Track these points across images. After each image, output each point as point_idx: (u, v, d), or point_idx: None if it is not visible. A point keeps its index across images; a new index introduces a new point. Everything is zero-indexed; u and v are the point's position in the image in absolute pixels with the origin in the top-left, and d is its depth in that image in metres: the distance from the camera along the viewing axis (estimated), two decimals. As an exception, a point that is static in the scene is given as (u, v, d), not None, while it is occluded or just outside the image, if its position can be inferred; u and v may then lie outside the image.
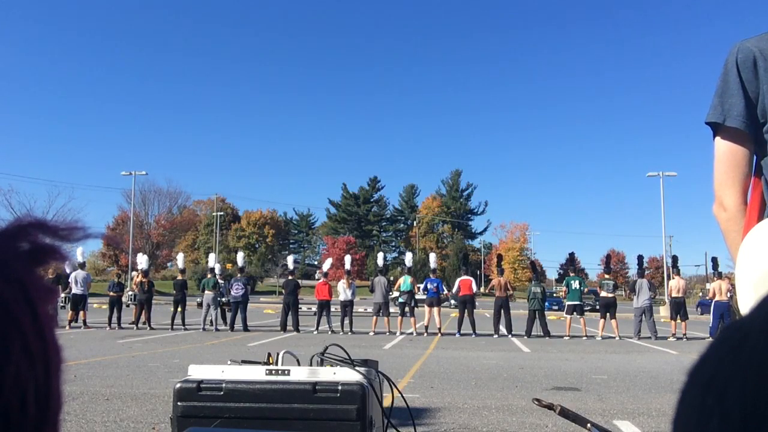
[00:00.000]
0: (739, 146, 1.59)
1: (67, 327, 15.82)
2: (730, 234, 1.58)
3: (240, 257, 18.53)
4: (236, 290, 16.46)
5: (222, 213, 72.93)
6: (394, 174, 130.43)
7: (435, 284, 16.35)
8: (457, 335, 15.52)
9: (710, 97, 1.63)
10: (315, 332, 15.64)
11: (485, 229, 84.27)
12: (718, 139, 1.62)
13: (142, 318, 16.75)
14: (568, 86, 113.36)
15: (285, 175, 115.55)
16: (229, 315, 16.92)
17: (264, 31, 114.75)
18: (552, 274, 68.75)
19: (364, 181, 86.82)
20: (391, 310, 16.78)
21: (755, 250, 1.37)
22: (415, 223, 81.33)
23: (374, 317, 16.24)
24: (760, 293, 1.33)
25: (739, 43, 1.59)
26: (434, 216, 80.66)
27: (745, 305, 1.35)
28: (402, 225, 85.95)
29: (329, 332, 15.70)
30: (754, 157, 1.62)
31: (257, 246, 77.89)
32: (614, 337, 15.36)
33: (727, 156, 1.60)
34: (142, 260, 17.77)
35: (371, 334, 15.55)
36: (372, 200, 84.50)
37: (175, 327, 16.50)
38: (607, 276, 16.75)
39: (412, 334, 15.66)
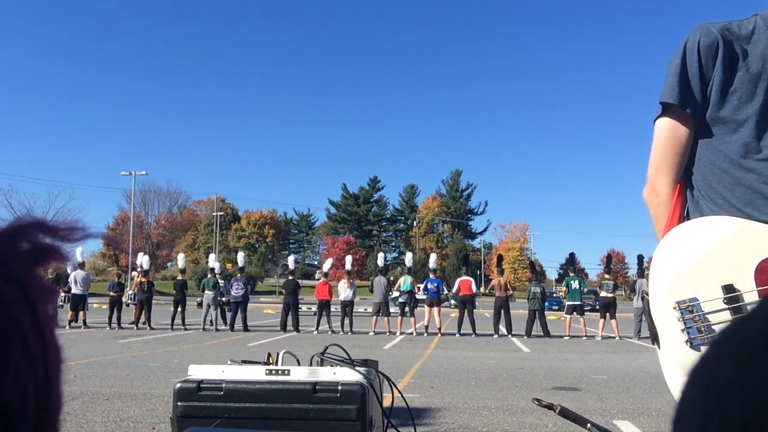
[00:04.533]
0: (685, 130, 1.53)
1: (67, 327, 15.82)
2: (659, 221, 1.55)
3: (240, 257, 18.54)
4: (236, 290, 16.48)
5: (222, 213, 72.93)
6: (394, 174, 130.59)
7: (435, 284, 16.36)
8: (457, 335, 15.52)
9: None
10: (315, 332, 15.64)
11: (485, 229, 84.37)
12: (664, 119, 1.55)
13: (142, 318, 16.76)
14: (568, 86, 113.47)
15: (285, 175, 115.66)
16: (229, 315, 16.93)
17: (264, 32, 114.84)
18: (552, 274, 68.85)
19: (364, 181, 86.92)
20: (391, 310, 16.79)
21: (669, 254, 1.38)
22: (415, 223, 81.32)
23: (374, 317, 16.24)
24: (671, 296, 1.34)
25: (704, 27, 1.51)
26: (434, 216, 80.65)
27: (657, 306, 1.37)
28: (402, 225, 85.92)
29: (329, 332, 15.70)
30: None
31: (257, 246, 77.87)
32: (614, 337, 15.36)
33: (670, 139, 1.54)
34: (143, 260, 17.80)
35: (371, 334, 15.56)
36: (372, 200, 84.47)
37: (175, 327, 16.51)
38: (607, 276, 16.75)
39: (412, 334, 15.67)
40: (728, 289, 1.29)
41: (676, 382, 1.34)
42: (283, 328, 16.20)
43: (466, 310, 16.01)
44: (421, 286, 18.14)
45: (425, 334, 15.56)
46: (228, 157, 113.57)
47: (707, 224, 1.40)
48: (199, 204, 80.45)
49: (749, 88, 1.46)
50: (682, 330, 1.31)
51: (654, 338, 1.40)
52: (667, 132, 1.55)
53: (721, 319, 1.29)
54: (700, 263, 1.33)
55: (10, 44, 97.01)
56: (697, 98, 1.51)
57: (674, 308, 1.33)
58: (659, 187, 1.55)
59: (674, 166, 1.55)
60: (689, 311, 1.31)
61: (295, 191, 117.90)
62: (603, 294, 16.00)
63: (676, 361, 1.33)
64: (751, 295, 1.28)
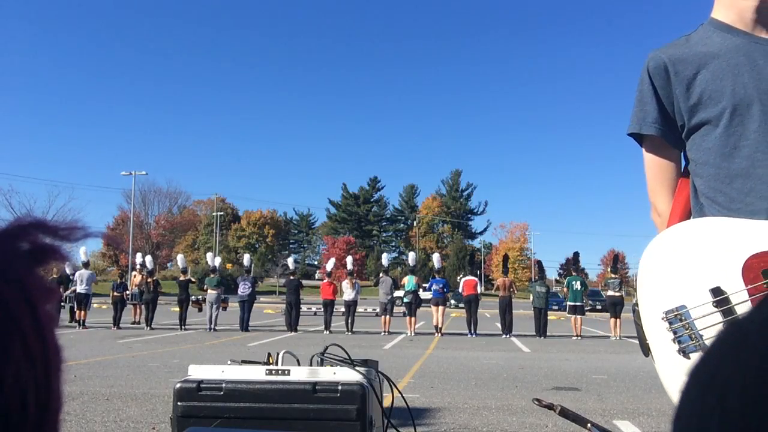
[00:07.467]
0: (661, 152, 1.62)
1: (77, 327, 15.97)
2: None
3: (246, 258, 18.50)
4: (242, 289, 16.52)
5: (222, 213, 72.94)
6: (394, 174, 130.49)
7: (441, 285, 16.41)
8: (472, 336, 15.51)
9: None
10: (326, 332, 15.69)
11: (485, 229, 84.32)
12: (642, 148, 1.66)
13: (143, 317, 16.86)
14: (568, 86, 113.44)
15: (285, 175, 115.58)
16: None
17: (264, 31, 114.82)
18: (552, 274, 68.83)
19: (364, 181, 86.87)
20: (393, 310, 16.86)
21: (653, 264, 1.37)
22: (415, 223, 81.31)
23: (382, 316, 16.30)
24: (658, 306, 1.32)
25: (651, 53, 1.62)
26: (434, 216, 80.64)
27: (646, 318, 1.35)
28: (402, 225, 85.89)
29: (328, 332, 15.73)
30: (683, 160, 1.65)
31: (257, 246, 77.85)
32: (614, 337, 15.37)
33: (651, 163, 1.64)
34: (147, 261, 17.80)
35: (382, 333, 15.62)
36: (372, 200, 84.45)
37: (176, 326, 16.55)
38: (613, 275, 16.68)
39: (412, 334, 15.69)
40: (716, 292, 1.27)
41: (674, 391, 1.30)
42: (289, 327, 16.24)
43: (471, 310, 16.07)
44: (426, 285, 18.17)
45: (437, 334, 15.60)
46: (228, 157, 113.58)
47: (689, 229, 1.40)
48: (199, 204, 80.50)
49: (715, 84, 1.51)
50: (673, 340, 1.29)
51: (646, 351, 1.37)
52: (647, 158, 1.65)
53: (711, 322, 1.27)
54: (685, 269, 1.32)
55: (11, 44, 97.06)
56: (657, 119, 1.59)
57: (662, 319, 1.31)
58: (659, 207, 1.64)
59: (665, 185, 1.63)
60: (679, 320, 1.29)
61: (295, 191, 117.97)
62: (610, 293, 15.88)
63: (671, 371, 1.30)
64: (739, 295, 1.26)
